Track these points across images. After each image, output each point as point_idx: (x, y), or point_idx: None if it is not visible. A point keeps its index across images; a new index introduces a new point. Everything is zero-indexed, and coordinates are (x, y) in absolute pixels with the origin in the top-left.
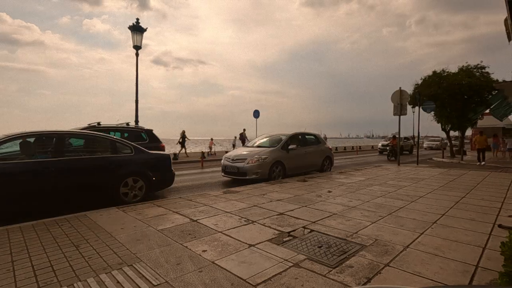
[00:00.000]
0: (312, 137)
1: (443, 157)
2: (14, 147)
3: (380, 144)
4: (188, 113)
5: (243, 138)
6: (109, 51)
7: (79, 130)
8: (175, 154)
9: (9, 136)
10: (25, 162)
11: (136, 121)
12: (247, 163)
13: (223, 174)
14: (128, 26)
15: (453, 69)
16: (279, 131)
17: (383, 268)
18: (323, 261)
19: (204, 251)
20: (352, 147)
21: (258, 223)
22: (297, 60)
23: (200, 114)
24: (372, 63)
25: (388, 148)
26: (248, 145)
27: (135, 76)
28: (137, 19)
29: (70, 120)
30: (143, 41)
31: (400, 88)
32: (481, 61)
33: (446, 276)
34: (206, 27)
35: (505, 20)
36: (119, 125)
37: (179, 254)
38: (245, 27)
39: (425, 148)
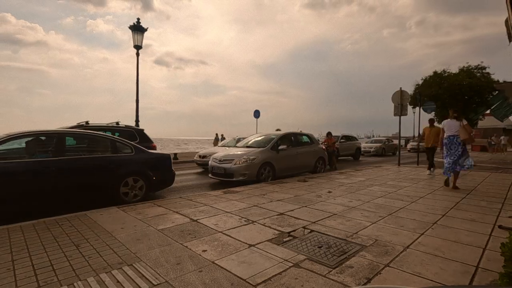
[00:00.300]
0: (304, 137)
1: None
2: (15, 146)
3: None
4: (190, 113)
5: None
6: (112, 51)
7: (79, 130)
8: (175, 154)
9: (9, 136)
10: (25, 162)
11: (137, 121)
12: (234, 164)
13: (210, 175)
14: (128, 26)
15: (454, 69)
16: (282, 130)
17: (383, 269)
18: (323, 261)
19: (204, 251)
20: None
21: (258, 223)
22: (298, 60)
23: (201, 114)
24: (373, 63)
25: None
26: (238, 145)
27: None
28: (138, 18)
29: (71, 120)
30: (146, 42)
31: (400, 88)
32: (482, 62)
33: (446, 277)
34: (209, 28)
35: (506, 21)
36: (109, 125)
37: (179, 254)
38: (246, 28)
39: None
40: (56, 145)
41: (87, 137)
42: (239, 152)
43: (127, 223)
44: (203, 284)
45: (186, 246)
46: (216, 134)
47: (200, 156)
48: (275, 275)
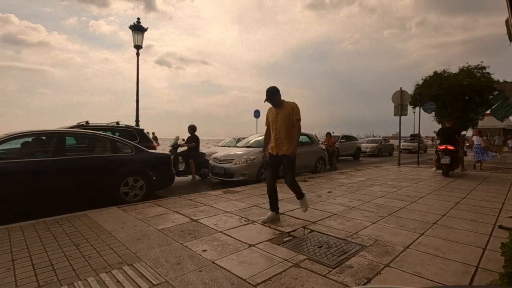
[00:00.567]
0: (304, 137)
1: None
2: (15, 146)
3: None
4: (191, 113)
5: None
6: (113, 51)
7: (79, 130)
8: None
9: (9, 136)
10: (25, 162)
11: (137, 121)
12: (234, 164)
13: (210, 175)
14: (129, 25)
15: (454, 69)
16: None
17: (383, 269)
18: (323, 261)
19: (204, 250)
20: None
21: (258, 223)
22: (300, 60)
23: (202, 114)
24: (374, 63)
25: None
26: (238, 145)
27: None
28: (138, 18)
29: (72, 119)
30: (148, 42)
31: (401, 88)
32: (482, 62)
33: (446, 277)
34: (210, 28)
35: (506, 21)
36: (109, 124)
37: (179, 253)
38: (248, 28)
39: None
40: (56, 145)
41: (87, 137)
42: (239, 152)
43: (127, 223)
44: (203, 284)
45: (186, 246)
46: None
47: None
48: (275, 275)
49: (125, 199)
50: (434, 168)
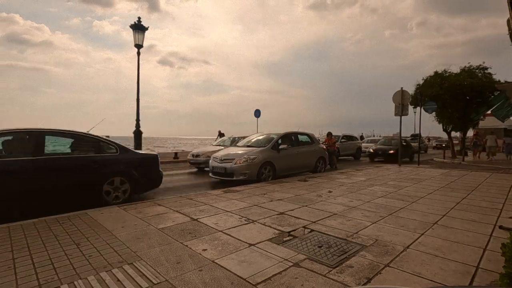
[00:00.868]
0: (305, 136)
1: (444, 158)
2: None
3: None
4: (191, 113)
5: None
6: (117, 51)
7: (61, 129)
8: (175, 153)
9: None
10: (3, 161)
11: (137, 120)
12: (235, 164)
13: (211, 174)
14: (130, 25)
15: (455, 69)
16: (282, 130)
17: (383, 269)
18: (323, 261)
19: (204, 250)
20: None
21: (259, 222)
22: (301, 60)
23: (202, 113)
24: (375, 63)
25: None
26: (238, 144)
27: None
28: (139, 17)
29: (75, 118)
30: (151, 42)
31: (401, 88)
32: (483, 62)
33: (446, 277)
34: (213, 28)
35: (508, 21)
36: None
37: (179, 253)
38: (250, 28)
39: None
40: (35, 143)
41: (70, 136)
42: (239, 152)
43: (127, 222)
44: (203, 283)
45: (186, 245)
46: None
47: (193, 155)
48: (275, 274)
49: (107, 200)
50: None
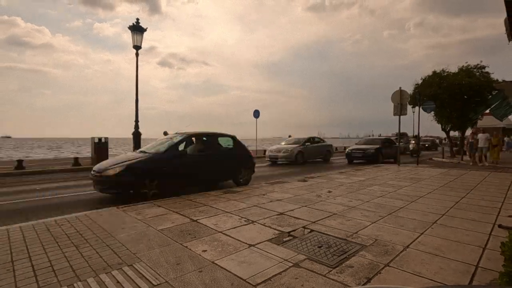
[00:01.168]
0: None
1: (443, 157)
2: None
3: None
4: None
5: None
6: (117, 53)
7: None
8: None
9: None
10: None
11: (136, 121)
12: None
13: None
14: (128, 26)
15: (453, 69)
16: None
17: (383, 268)
18: (323, 261)
19: (204, 251)
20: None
21: (258, 223)
22: (300, 60)
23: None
24: (374, 63)
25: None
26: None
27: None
28: (137, 19)
29: (75, 118)
30: (151, 44)
31: (400, 88)
32: (481, 61)
33: (446, 276)
34: (213, 29)
35: (505, 20)
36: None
37: (179, 254)
38: (249, 29)
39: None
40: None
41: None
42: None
43: (127, 223)
44: (203, 284)
45: (186, 246)
46: None
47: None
48: (275, 275)
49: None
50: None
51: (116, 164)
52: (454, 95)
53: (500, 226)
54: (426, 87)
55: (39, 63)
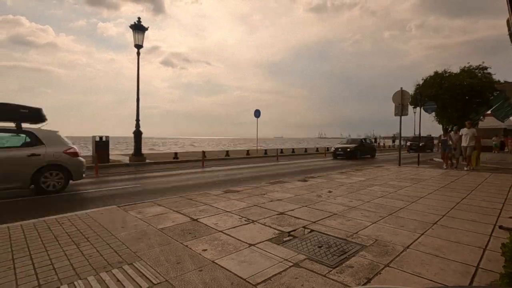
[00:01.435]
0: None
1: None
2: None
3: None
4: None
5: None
6: (120, 52)
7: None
8: (175, 154)
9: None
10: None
11: (137, 120)
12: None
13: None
14: (129, 25)
15: (455, 69)
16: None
17: (383, 269)
18: (323, 261)
19: (204, 250)
20: (305, 149)
21: (258, 222)
22: (301, 60)
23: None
24: (374, 63)
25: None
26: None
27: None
28: (139, 18)
29: (75, 118)
30: (154, 43)
31: (401, 88)
32: (483, 62)
33: (446, 277)
34: (215, 29)
35: (507, 21)
36: None
37: (179, 253)
38: (251, 29)
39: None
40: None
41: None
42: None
43: (127, 222)
44: (203, 283)
45: (186, 245)
46: None
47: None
48: (275, 274)
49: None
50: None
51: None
52: (456, 95)
53: (500, 227)
54: (428, 88)
55: (43, 62)
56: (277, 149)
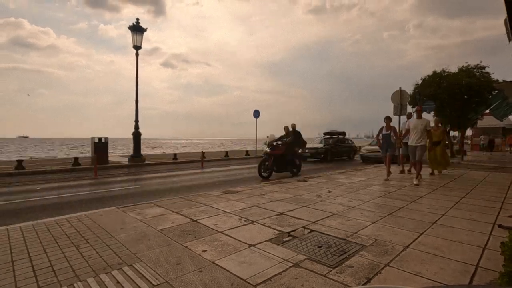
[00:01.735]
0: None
1: None
2: None
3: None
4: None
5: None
6: (120, 54)
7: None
8: (175, 155)
9: None
10: None
11: (136, 121)
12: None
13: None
14: (128, 26)
15: (453, 69)
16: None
17: (383, 268)
18: (323, 261)
19: (204, 251)
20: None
21: (258, 223)
22: (301, 60)
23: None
24: (373, 63)
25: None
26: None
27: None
28: (137, 19)
29: (75, 118)
30: (155, 45)
31: (400, 88)
32: (481, 61)
33: (446, 276)
34: (215, 30)
35: (505, 20)
36: None
37: (179, 254)
38: (251, 30)
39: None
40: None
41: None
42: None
43: (126, 223)
44: (203, 284)
45: (186, 246)
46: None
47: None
48: (275, 275)
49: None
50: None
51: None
52: (454, 95)
53: (500, 226)
54: (426, 87)
55: (44, 64)
56: None
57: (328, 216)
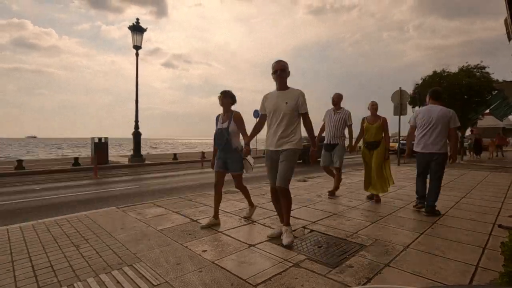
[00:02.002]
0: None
1: None
2: None
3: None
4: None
5: None
6: (122, 54)
7: None
8: (174, 155)
9: None
10: None
11: (136, 121)
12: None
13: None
14: (128, 26)
15: (454, 69)
16: None
17: (383, 268)
18: (323, 261)
19: (204, 251)
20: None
21: (258, 223)
22: (301, 60)
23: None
24: (374, 63)
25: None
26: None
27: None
28: (137, 19)
29: (75, 118)
30: (156, 45)
31: (400, 88)
32: (481, 61)
33: (446, 276)
34: (216, 31)
35: (505, 20)
36: None
37: (179, 254)
38: (252, 31)
39: None
40: None
41: None
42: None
43: (126, 223)
44: (203, 284)
45: (186, 246)
46: None
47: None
48: (275, 275)
49: None
50: None
51: None
52: (454, 95)
53: (500, 226)
54: (426, 87)
55: (45, 64)
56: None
57: (328, 216)
